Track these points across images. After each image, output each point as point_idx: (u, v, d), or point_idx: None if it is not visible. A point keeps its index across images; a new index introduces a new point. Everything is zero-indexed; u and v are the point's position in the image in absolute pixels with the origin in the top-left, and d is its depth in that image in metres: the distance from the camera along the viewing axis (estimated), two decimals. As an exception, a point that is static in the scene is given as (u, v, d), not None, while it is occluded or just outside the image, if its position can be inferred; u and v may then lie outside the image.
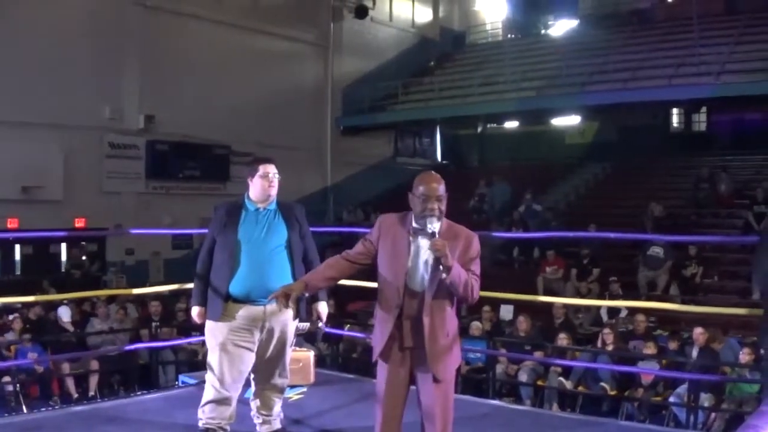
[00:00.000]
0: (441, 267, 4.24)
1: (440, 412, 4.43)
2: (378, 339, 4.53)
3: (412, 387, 4.54)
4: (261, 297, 5.32)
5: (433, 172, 4.54)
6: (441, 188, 4.39)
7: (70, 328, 13.27)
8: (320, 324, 5.86)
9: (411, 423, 4.57)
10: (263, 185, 5.49)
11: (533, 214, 20.42)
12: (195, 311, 5.64)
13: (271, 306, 5.32)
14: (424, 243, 4.35)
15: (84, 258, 19.95)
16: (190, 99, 20.90)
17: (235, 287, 5.37)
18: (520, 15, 32.23)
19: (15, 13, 17.79)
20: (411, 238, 4.42)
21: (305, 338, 7.89)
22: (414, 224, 4.40)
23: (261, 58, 23.48)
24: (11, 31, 17.66)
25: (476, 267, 4.44)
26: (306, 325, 5.78)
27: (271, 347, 5.52)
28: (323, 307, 5.78)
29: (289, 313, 5.40)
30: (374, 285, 4.67)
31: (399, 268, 4.41)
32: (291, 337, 5.67)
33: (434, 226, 4.29)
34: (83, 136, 19.24)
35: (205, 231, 5.75)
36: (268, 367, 5.58)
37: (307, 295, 5.05)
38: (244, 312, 5.38)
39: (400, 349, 4.45)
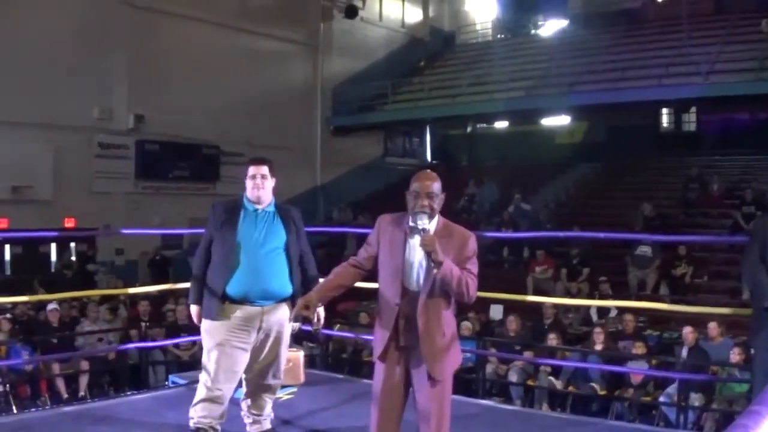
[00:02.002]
0: (432, 263, 4.23)
1: (435, 412, 4.38)
2: (378, 339, 4.52)
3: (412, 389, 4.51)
4: (258, 298, 5.33)
5: (429, 170, 4.53)
6: (434, 186, 4.36)
7: (54, 318, 13.10)
8: (320, 324, 5.78)
9: (411, 422, 4.54)
10: (248, 186, 5.50)
11: (523, 214, 20.46)
12: (193, 310, 5.60)
13: (268, 306, 5.35)
14: (417, 241, 4.30)
15: (73, 258, 19.87)
16: (180, 99, 20.81)
17: (232, 287, 5.33)
18: (509, 15, 32.36)
19: (3, 14, 17.72)
20: (407, 237, 4.39)
21: (297, 339, 7.86)
22: (410, 223, 4.35)
23: (251, 58, 23.42)
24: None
25: (473, 266, 4.39)
26: (298, 325, 5.76)
27: (267, 348, 5.49)
28: (320, 308, 5.74)
29: (286, 313, 5.39)
30: (364, 285, 4.66)
31: (396, 267, 4.40)
32: (287, 338, 5.65)
33: (424, 222, 4.24)
34: (73, 135, 19.19)
35: (196, 231, 5.72)
36: (262, 367, 5.55)
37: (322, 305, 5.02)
38: (241, 312, 5.34)
39: (397, 348, 4.43)
